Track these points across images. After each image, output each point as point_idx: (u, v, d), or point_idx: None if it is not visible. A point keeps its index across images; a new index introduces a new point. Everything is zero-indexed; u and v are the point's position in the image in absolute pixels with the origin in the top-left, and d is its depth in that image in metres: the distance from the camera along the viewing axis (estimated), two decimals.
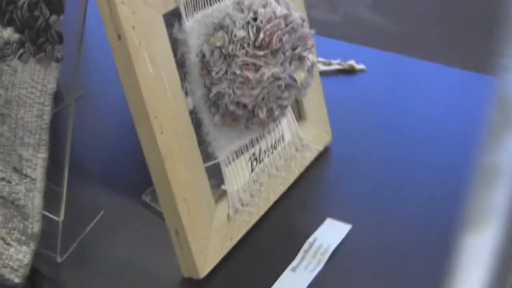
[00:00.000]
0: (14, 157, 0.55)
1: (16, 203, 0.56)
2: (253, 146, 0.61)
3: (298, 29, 0.57)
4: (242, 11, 0.56)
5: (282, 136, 0.64)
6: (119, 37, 0.49)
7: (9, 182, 0.56)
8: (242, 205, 0.59)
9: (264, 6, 0.56)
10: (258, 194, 0.61)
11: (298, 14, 0.58)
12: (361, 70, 0.86)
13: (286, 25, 0.56)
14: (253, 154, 0.61)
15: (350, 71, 0.86)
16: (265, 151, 0.62)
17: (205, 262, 0.56)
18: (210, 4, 0.56)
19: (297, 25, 0.57)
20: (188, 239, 0.54)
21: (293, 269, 0.57)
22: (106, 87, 0.83)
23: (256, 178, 0.61)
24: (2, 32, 0.53)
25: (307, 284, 0.56)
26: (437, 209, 0.64)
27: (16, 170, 0.55)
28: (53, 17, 0.50)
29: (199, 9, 0.55)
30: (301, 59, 0.57)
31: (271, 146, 0.63)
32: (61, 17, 0.51)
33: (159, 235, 0.61)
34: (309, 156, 0.68)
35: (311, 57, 0.58)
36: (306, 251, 0.59)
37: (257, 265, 0.58)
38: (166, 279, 0.57)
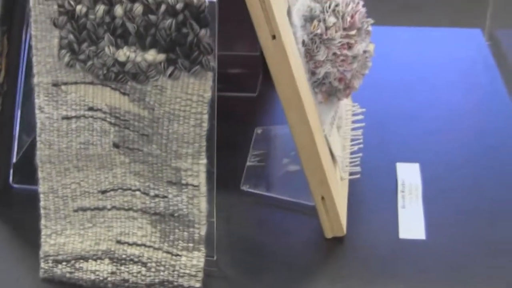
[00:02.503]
0: (168, 172, 0.58)
1: (176, 214, 0.59)
2: (335, 115, 0.69)
3: (362, 8, 0.67)
4: (318, 1, 0.64)
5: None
6: (274, 37, 0.55)
7: (164, 197, 0.59)
8: (346, 166, 0.68)
9: None
10: (345, 156, 0.70)
11: None
12: None
13: (356, 5, 0.66)
14: (337, 123, 0.70)
15: None
16: (339, 118, 0.71)
17: (343, 220, 0.64)
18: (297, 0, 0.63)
19: (362, 5, 0.67)
20: (335, 203, 0.62)
21: (403, 207, 0.68)
22: None
23: (342, 143, 0.70)
24: (143, 56, 0.56)
25: (422, 215, 0.67)
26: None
27: (172, 183, 0.58)
28: (202, 31, 0.55)
29: (293, 5, 0.62)
30: (368, 33, 0.67)
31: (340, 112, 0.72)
32: (208, 29, 0.55)
33: (274, 213, 0.68)
34: (350, 114, 0.78)
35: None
36: (403, 191, 0.70)
37: (368, 212, 0.68)
38: (310, 243, 0.64)
